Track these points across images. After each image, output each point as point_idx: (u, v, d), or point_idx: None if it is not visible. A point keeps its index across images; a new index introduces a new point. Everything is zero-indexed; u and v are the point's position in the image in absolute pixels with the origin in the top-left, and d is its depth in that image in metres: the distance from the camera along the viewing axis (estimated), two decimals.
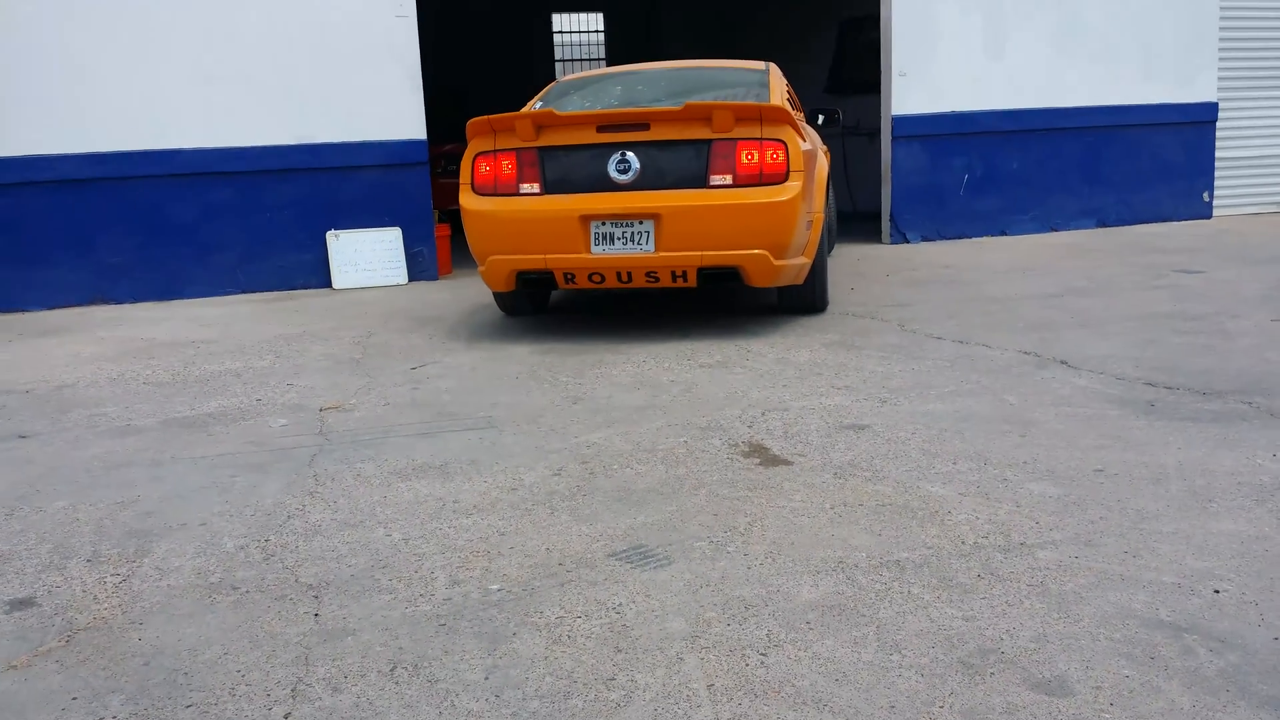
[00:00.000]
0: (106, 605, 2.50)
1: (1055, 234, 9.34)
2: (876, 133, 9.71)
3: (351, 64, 7.77)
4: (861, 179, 11.30)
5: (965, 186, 9.19)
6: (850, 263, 8.04)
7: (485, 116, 5.15)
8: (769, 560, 2.61)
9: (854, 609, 2.34)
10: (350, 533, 2.90)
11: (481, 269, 5.31)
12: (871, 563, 2.57)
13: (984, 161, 9.18)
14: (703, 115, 4.97)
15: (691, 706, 1.98)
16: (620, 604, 2.41)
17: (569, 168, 5.11)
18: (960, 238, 9.22)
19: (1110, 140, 9.48)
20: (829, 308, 5.99)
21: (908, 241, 9.19)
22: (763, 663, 2.13)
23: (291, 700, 2.06)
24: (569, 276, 5.14)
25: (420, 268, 8.10)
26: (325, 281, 7.95)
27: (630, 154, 5.03)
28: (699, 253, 4.95)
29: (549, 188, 5.12)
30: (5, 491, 3.36)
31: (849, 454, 3.40)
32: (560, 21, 18.90)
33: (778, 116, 4.96)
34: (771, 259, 4.98)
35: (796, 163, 4.98)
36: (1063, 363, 4.51)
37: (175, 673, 2.18)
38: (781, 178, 4.95)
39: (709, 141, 4.97)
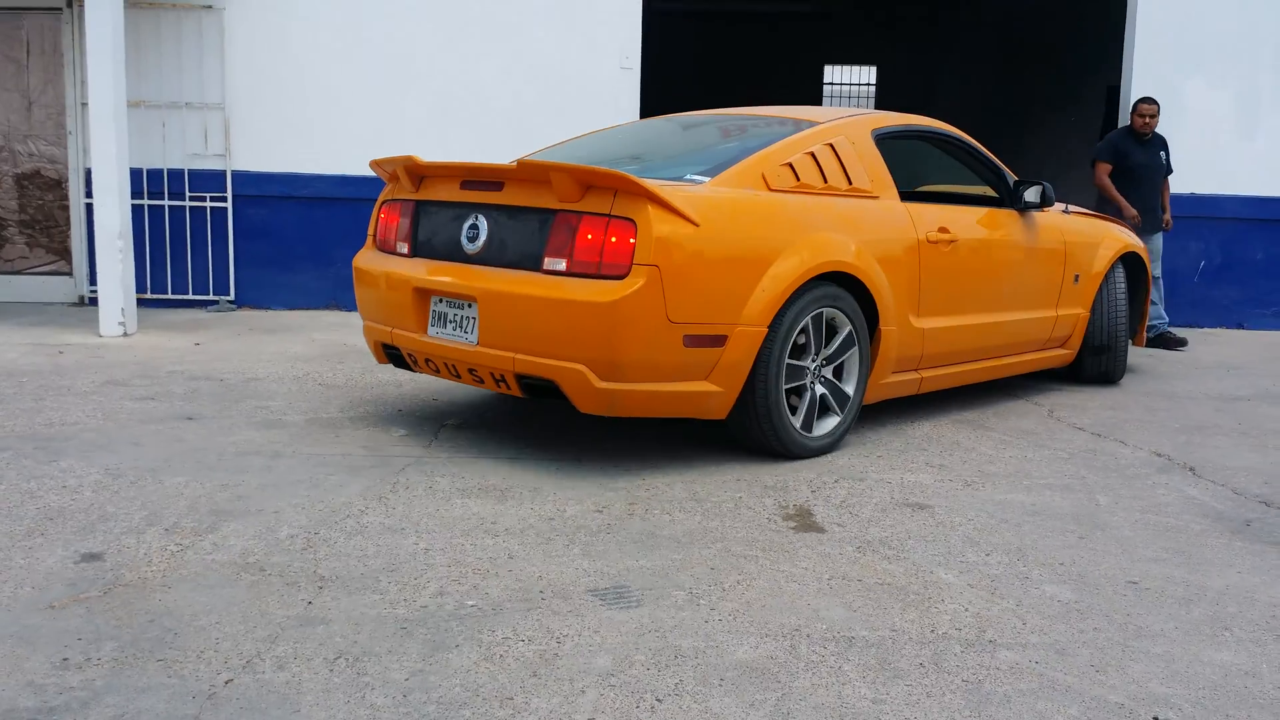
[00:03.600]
0: (153, 568, 2.91)
1: None
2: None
3: (576, 111, 8.26)
4: None
5: (1200, 273, 8.62)
6: None
7: (378, 158, 4.58)
8: (731, 618, 2.69)
9: (774, 674, 2.40)
10: (387, 537, 3.20)
11: None
12: (825, 635, 2.61)
13: (1223, 249, 8.59)
14: (541, 178, 3.90)
15: None
16: (566, 635, 2.57)
17: (434, 228, 4.34)
18: (1189, 327, 8.65)
19: None
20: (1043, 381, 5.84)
21: None
22: (653, 708, 2.24)
23: (241, 670, 2.36)
24: (413, 358, 4.33)
25: None
26: None
27: (482, 218, 4.11)
28: (512, 355, 3.86)
29: (417, 249, 4.38)
30: (145, 464, 3.91)
31: (888, 531, 3.40)
32: (831, 73, 19.03)
33: (628, 188, 3.69)
34: (592, 379, 3.71)
35: (650, 253, 3.65)
36: (1190, 469, 4.25)
37: (167, 632, 2.53)
38: (623, 270, 3.67)
39: (553, 213, 3.87)
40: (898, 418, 4.99)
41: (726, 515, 3.50)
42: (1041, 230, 5.42)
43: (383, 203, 4.60)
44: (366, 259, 4.58)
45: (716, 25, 17.88)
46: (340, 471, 3.87)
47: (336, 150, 8.23)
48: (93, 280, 8.08)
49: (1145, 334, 6.38)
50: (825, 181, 4.36)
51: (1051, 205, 5.40)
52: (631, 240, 3.68)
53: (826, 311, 4.22)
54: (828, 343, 4.28)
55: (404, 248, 4.43)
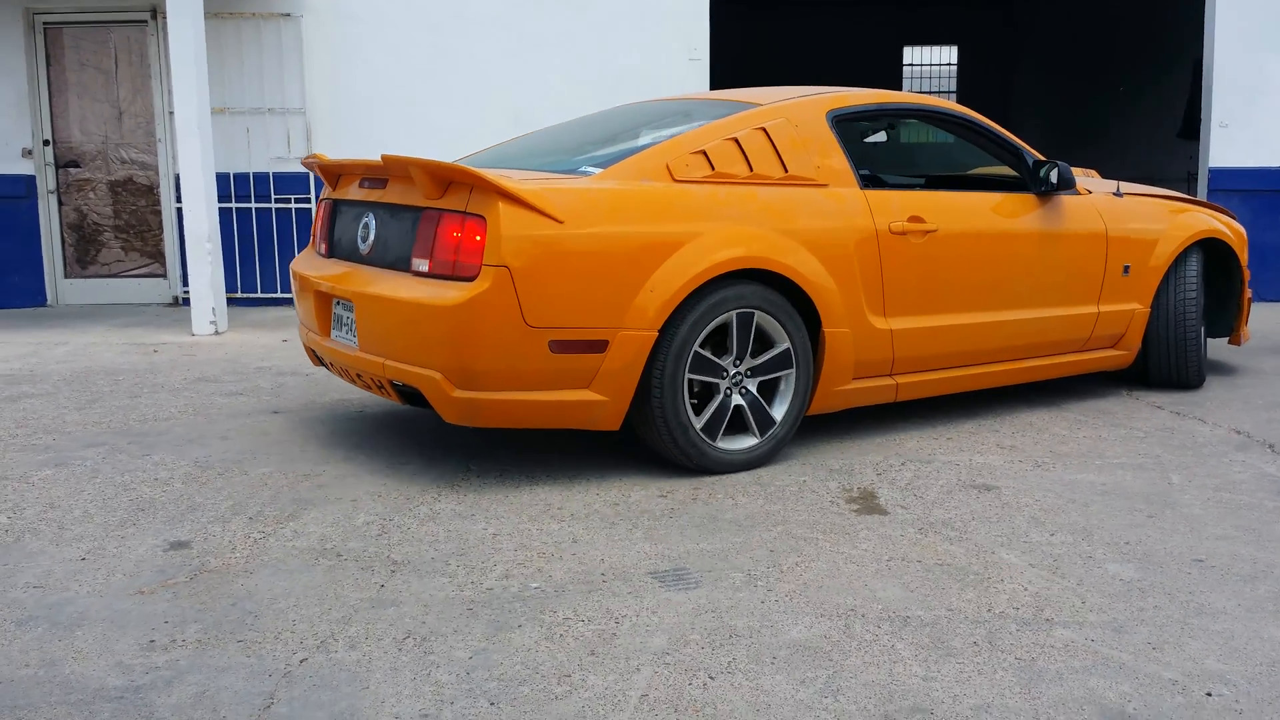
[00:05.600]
0: (237, 555, 3.06)
1: None
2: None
3: None
4: None
5: None
6: None
7: (307, 156, 4.44)
8: (787, 598, 2.74)
9: (826, 653, 2.44)
10: (458, 522, 3.31)
11: None
12: (881, 615, 2.64)
13: None
14: (404, 174, 3.76)
15: (613, 709, 2.20)
16: (624, 615, 2.65)
17: (342, 228, 4.21)
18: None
19: None
20: None
21: None
22: (705, 685, 2.30)
23: (315, 650, 2.48)
24: (324, 362, 4.27)
25: None
26: None
27: (371, 217, 3.97)
28: (383, 360, 3.69)
29: (331, 250, 4.27)
30: (232, 456, 4.08)
31: (952, 512, 3.41)
32: (911, 54, 18.79)
33: (480, 183, 3.46)
34: (447, 387, 3.49)
35: (499, 253, 3.40)
36: (1269, 446, 4.17)
37: (248, 614, 2.67)
38: (474, 271, 3.45)
39: (420, 211, 3.69)
40: (970, 400, 4.96)
41: (790, 499, 3.54)
42: (1072, 216, 4.73)
43: (320, 200, 4.48)
44: (299, 261, 4.47)
45: (793, 11, 17.77)
46: (416, 460, 3.99)
47: (414, 155, 8.40)
48: (185, 281, 8.38)
49: (1245, 331, 5.52)
50: (751, 170, 3.95)
51: (1070, 187, 4.67)
52: (476, 238, 3.47)
53: (746, 313, 3.79)
54: (755, 348, 3.87)
55: (323, 248, 4.33)
